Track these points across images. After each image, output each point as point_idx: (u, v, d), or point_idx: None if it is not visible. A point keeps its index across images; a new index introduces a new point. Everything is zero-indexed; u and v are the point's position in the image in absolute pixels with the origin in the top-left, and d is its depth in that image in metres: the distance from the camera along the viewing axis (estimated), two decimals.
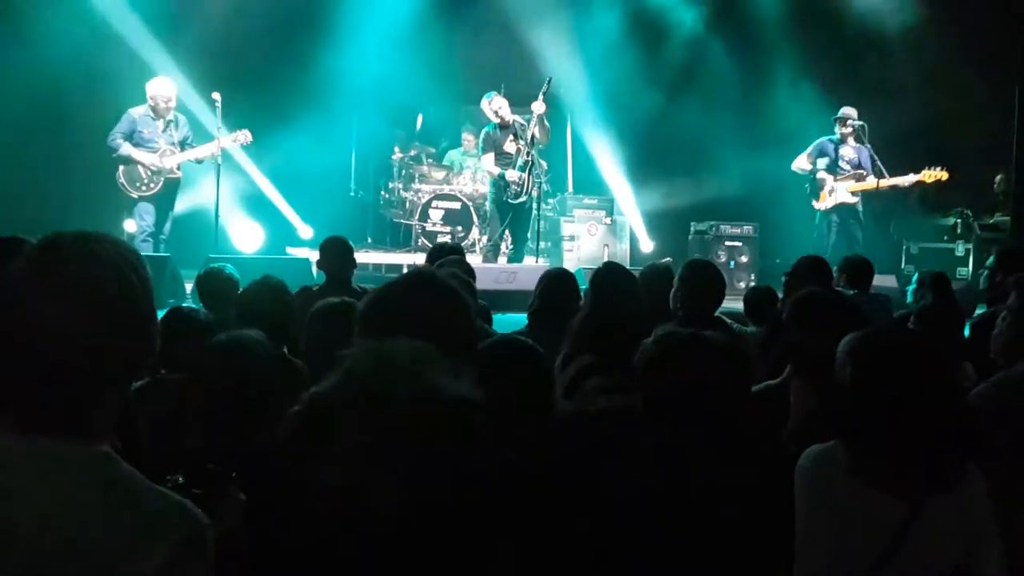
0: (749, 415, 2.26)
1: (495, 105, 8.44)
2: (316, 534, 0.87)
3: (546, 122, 8.38)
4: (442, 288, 1.85)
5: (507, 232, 8.68)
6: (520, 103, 8.75)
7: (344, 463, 0.86)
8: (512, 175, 8.35)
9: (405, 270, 9.42)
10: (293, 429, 0.92)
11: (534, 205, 8.63)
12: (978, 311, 4.83)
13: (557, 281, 4.14)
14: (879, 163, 8.55)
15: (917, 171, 8.51)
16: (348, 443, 0.87)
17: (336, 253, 4.87)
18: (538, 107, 8.32)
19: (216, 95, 7.91)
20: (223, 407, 2.04)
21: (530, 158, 8.31)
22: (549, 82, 8.52)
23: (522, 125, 8.45)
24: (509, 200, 8.44)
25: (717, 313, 3.99)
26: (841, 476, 1.99)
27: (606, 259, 9.77)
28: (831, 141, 8.84)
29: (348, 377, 0.92)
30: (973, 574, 2.03)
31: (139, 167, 7.77)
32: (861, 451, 1.99)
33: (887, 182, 8.52)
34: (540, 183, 8.76)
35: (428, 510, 0.85)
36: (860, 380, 2.04)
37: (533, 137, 8.32)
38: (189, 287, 6.19)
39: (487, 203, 8.95)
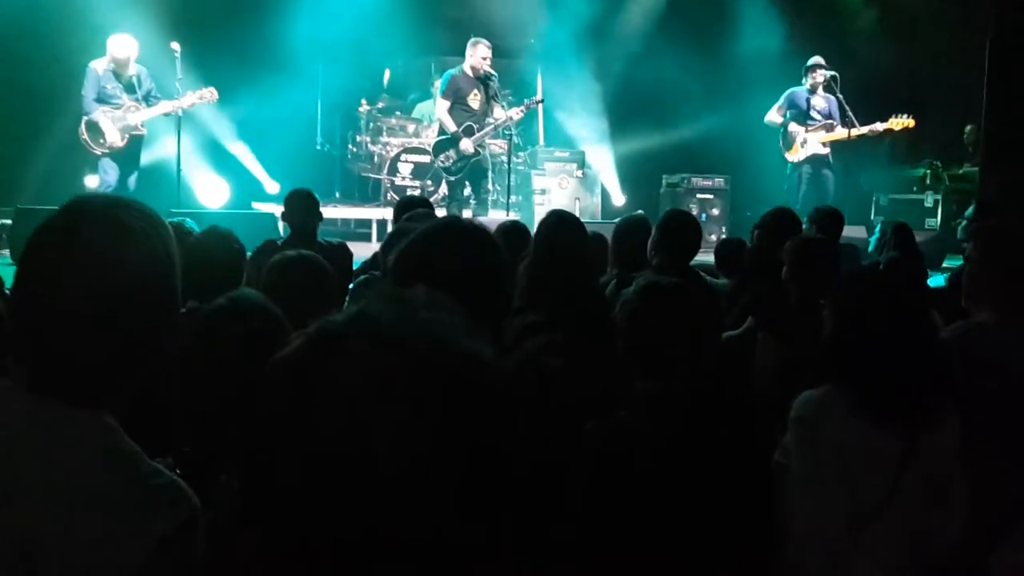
0: (720, 363, 2.27)
1: (483, 51, 7.99)
2: (316, 458, 0.82)
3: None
4: (473, 242, 1.61)
5: (467, 185, 8.53)
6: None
7: (350, 385, 0.82)
8: (467, 145, 8.01)
9: (374, 225, 9.42)
10: (300, 350, 0.87)
11: (488, 160, 8.51)
12: (954, 263, 4.90)
13: (506, 236, 4.03)
14: (849, 113, 8.54)
15: (885, 120, 8.52)
16: (355, 367, 0.83)
17: (301, 205, 4.77)
18: (516, 114, 8.22)
19: (175, 45, 7.69)
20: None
21: (487, 131, 8.18)
22: (540, 102, 8.66)
23: (496, 90, 8.27)
24: (439, 165, 8.19)
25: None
26: (840, 419, 2.03)
27: (576, 213, 9.73)
28: (802, 91, 8.80)
29: (362, 313, 0.88)
30: (951, 500, 2.11)
31: (102, 124, 7.54)
32: (858, 392, 2.02)
33: (857, 131, 8.52)
34: (511, 135, 8.65)
35: (424, 448, 0.82)
36: (851, 320, 2.07)
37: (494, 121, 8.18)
38: None
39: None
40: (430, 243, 1.61)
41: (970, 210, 5.25)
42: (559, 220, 3.32)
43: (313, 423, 0.82)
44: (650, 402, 2.12)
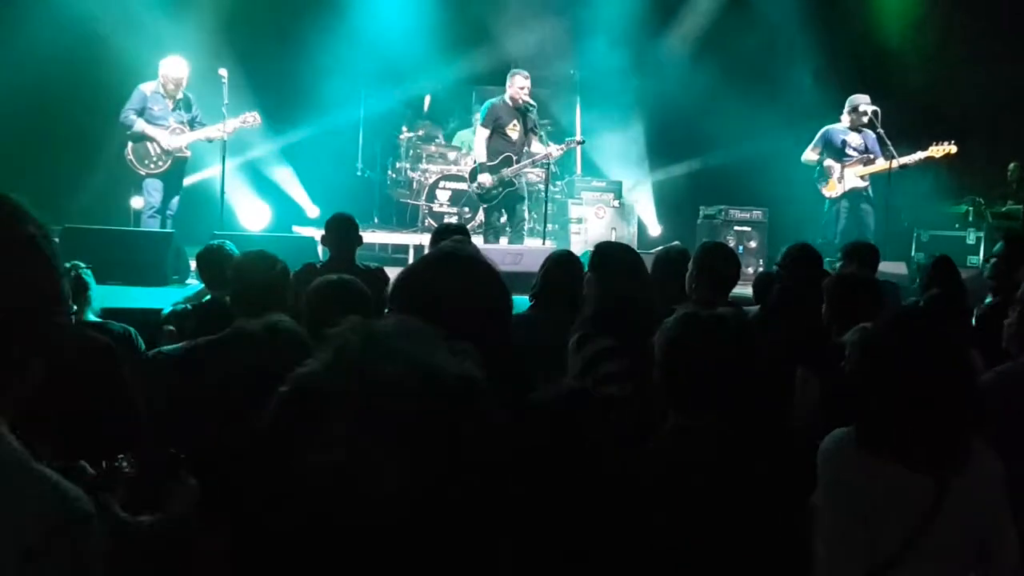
0: (759, 396, 2.25)
1: (520, 82, 8.19)
2: (307, 519, 0.82)
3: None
4: (471, 271, 1.64)
5: (504, 214, 8.63)
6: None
7: (338, 445, 0.81)
8: (485, 179, 8.24)
9: (411, 251, 9.49)
10: (280, 411, 0.86)
11: (524, 189, 8.61)
12: (988, 300, 4.73)
13: (561, 263, 4.08)
14: (889, 145, 8.46)
15: (926, 150, 8.43)
16: (341, 424, 0.82)
17: (340, 229, 4.83)
18: (555, 151, 8.34)
19: (223, 71, 7.86)
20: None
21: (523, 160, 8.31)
22: (580, 143, 8.83)
23: (535, 122, 8.39)
24: (473, 192, 8.45)
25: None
26: (864, 459, 2.00)
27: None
28: (837, 129, 8.76)
29: (338, 357, 0.87)
30: (994, 552, 2.04)
31: (148, 144, 7.72)
32: (884, 434, 1.98)
33: (898, 162, 8.43)
34: (548, 164, 8.70)
35: (429, 492, 0.81)
36: (874, 365, 2.04)
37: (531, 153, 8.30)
38: (194, 265, 6.16)
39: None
40: (428, 271, 1.64)
41: (999, 246, 5.03)
42: (610, 249, 3.47)
43: (305, 477, 0.81)
44: (680, 434, 2.10)
